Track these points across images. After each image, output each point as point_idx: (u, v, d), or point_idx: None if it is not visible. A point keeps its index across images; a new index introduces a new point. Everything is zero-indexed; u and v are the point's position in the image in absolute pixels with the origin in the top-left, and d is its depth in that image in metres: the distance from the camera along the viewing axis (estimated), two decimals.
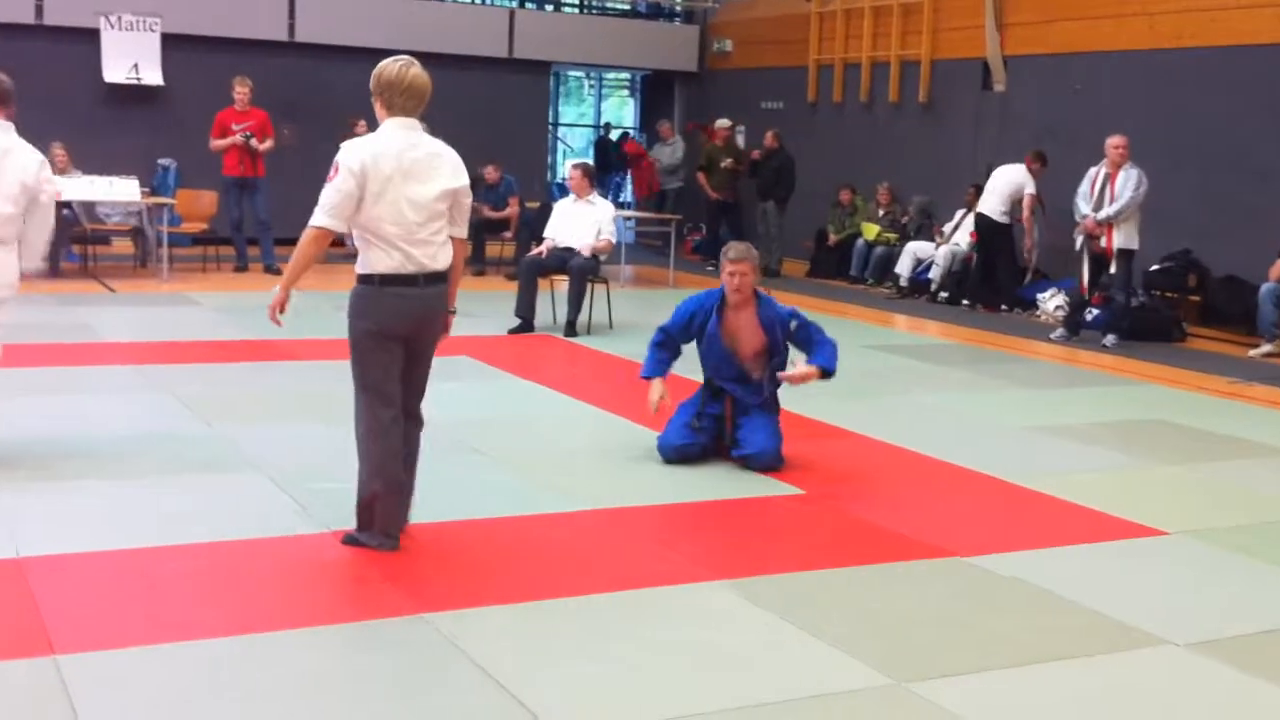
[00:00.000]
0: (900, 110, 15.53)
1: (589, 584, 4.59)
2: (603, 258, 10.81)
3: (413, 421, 4.96)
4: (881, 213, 15.01)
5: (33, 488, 5.45)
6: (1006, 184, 12.79)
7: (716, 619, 4.36)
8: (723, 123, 16.17)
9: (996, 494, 6.12)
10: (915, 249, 14.01)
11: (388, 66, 4.74)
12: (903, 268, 14.00)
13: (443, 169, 4.76)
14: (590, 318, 10.49)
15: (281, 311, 4.83)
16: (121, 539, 4.85)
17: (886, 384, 8.95)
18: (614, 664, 3.94)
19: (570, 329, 10.27)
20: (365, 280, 4.73)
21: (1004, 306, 12.88)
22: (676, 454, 6.31)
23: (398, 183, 4.62)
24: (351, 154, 4.65)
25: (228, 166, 13.13)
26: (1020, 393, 8.86)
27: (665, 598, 4.53)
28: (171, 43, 14.98)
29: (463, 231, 4.91)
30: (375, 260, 4.68)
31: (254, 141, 12.99)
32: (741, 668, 3.97)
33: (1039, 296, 12.75)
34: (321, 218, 4.65)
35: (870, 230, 14.96)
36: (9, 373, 6.75)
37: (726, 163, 15.81)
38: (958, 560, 5.06)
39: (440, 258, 4.77)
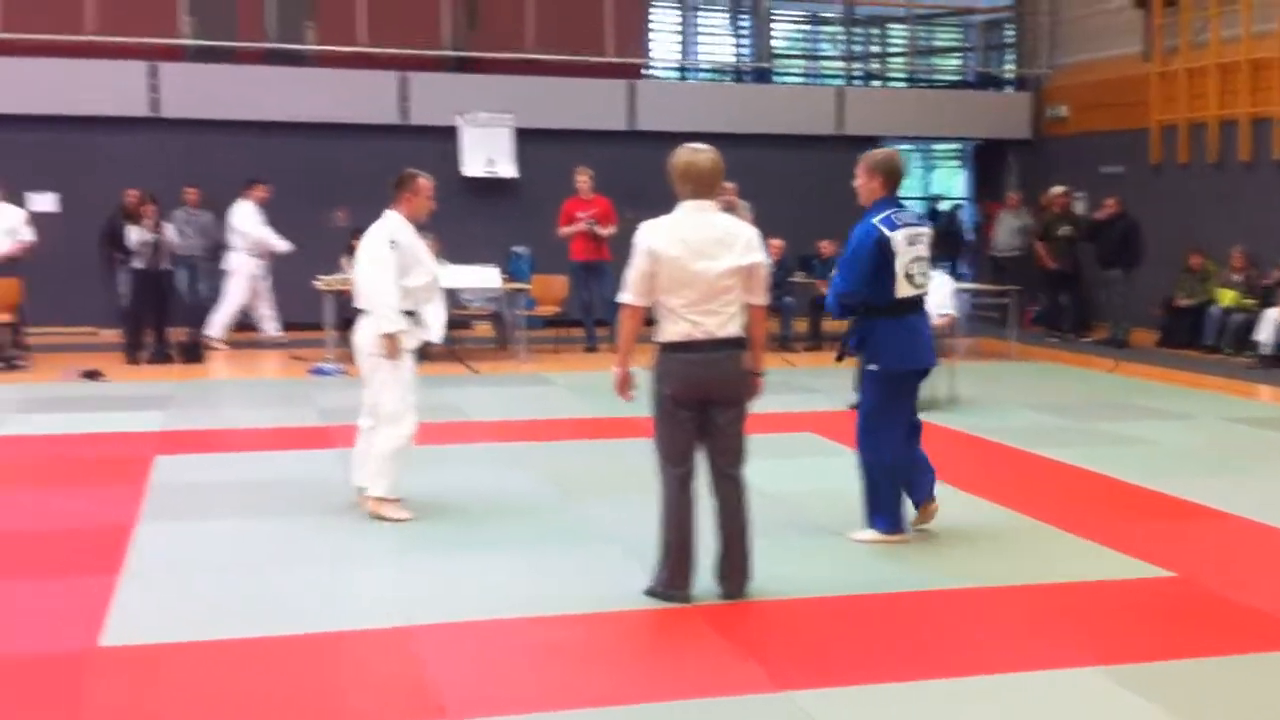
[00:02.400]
0: (1254, 170, 14.72)
1: (953, 666, 4.55)
2: (942, 333, 10.71)
3: (729, 483, 5.20)
4: (1236, 278, 14.23)
5: (415, 558, 5.88)
6: None
7: (1093, 707, 4.24)
8: (1056, 190, 15.75)
9: None
10: (1277, 315, 13.19)
11: (676, 154, 5.14)
12: (1264, 335, 13.19)
13: (734, 246, 5.05)
14: (931, 393, 10.39)
15: (628, 387, 5.25)
16: (496, 608, 5.16)
17: (1255, 460, 8.45)
18: None
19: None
20: (660, 348, 5.11)
21: None
22: None
23: (686, 261, 4.98)
24: (644, 236, 5.07)
25: (575, 252, 13.82)
26: None
27: (1034, 683, 4.43)
28: (522, 136, 15.92)
29: (761, 299, 5.15)
30: (667, 329, 5.07)
31: (597, 227, 13.61)
32: None
33: None
34: (625, 295, 5.13)
35: (1226, 296, 14.20)
36: None
37: (1064, 231, 15.39)
38: None
39: (730, 326, 5.06)
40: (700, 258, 5.00)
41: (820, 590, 5.42)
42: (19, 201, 13.27)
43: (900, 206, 6.05)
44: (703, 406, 5.10)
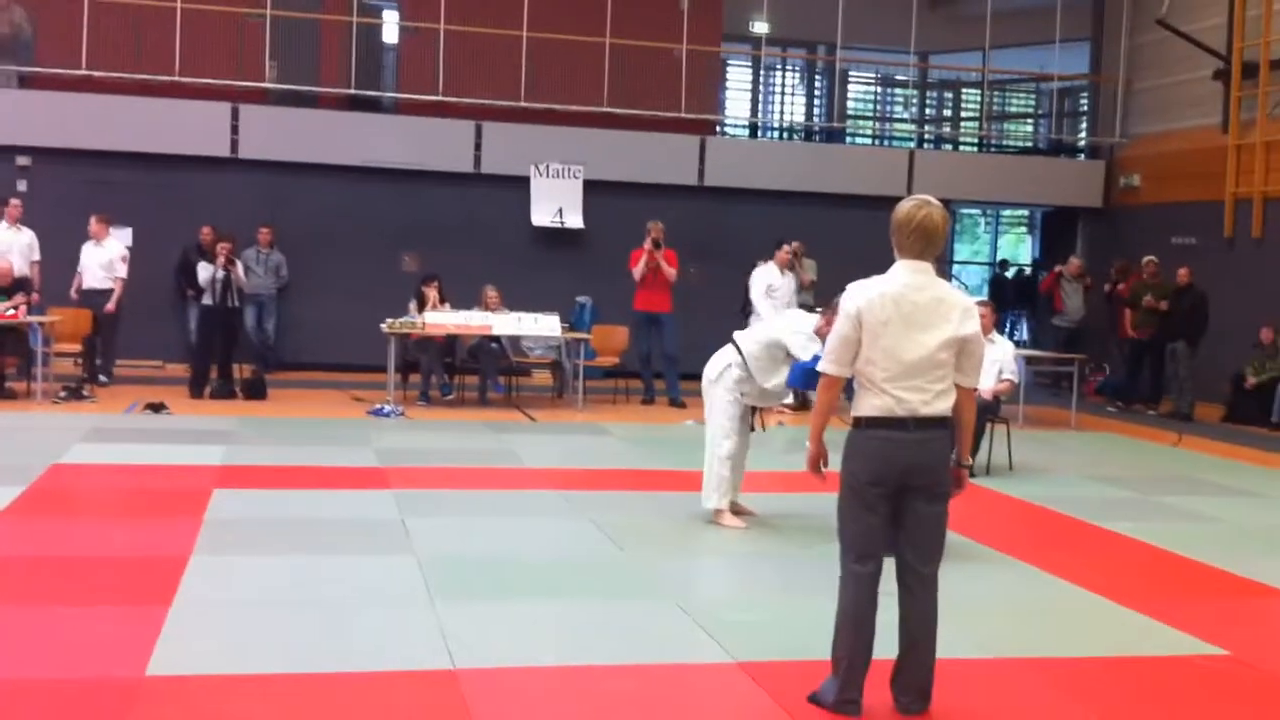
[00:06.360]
0: None
1: None
2: (1003, 398, 10.62)
3: (922, 583, 4.58)
4: None
5: (467, 603, 5.90)
6: None
7: None
8: (1147, 259, 15.61)
9: None
10: None
11: (900, 206, 4.61)
12: None
13: (950, 315, 4.51)
14: (989, 459, 10.31)
15: (824, 464, 4.75)
16: (544, 656, 5.18)
17: None
18: None
19: (968, 470, 10.08)
20: (855, 423, 4.56)
21: None
22: None
23: (895, 327, 4.47)
24: (850, 297, 4.58)
25: (638, 302, 13.87)
26: None
27: None
28: (591, 188, 16.07)
29: (973, 381, 4.61)
30: (864, 403, 4.52)
31: (664, 264, 13.59)
32: None
33: None
34: (824, 363, 4.63)
35: None
36: (458, 495, 7.36)
37: (1146, 299, 15.16)
38: None
39: (936, 404, 4.49)
40: (912, 326, 4.46)
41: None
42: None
43: None
44: (898, 493, 4.51)
